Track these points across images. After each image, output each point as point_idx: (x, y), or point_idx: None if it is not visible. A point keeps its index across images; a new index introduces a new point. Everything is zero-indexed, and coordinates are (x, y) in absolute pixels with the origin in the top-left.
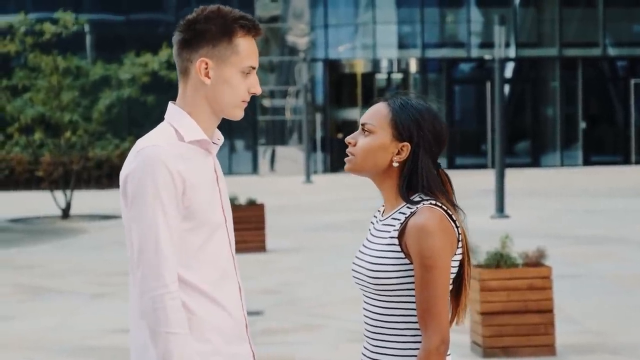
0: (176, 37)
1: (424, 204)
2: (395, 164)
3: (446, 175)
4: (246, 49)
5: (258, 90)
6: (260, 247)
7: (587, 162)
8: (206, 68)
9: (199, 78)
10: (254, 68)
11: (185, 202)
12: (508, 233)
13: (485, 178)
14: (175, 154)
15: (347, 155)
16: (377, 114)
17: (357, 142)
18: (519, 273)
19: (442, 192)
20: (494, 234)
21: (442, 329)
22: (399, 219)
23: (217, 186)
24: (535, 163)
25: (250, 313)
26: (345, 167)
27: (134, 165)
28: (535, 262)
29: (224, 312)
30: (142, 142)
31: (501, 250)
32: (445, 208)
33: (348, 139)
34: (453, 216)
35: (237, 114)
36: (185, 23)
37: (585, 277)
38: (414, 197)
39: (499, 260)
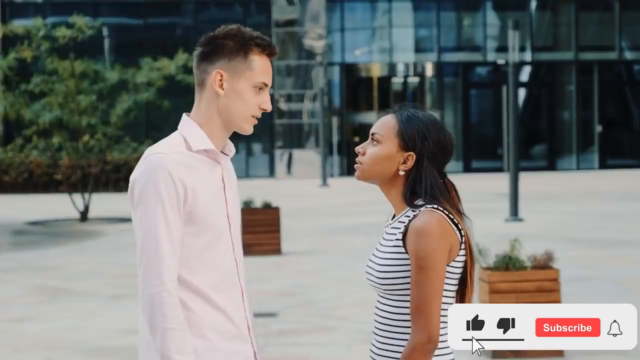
0: (196, 51)
1: (425, 207)
2: (401, 173)
3: (452, 183)
4: (260, 65)
5: (269, 107)
6: (276, 249)
7: (603, 165)
8: (220, 79)
9: (213, 89)
10: (266, 85)
11: (186, 207)
12: (519, 236)
13: (502, 182)
14: (179, 162)
15: (357, 163)
16: (385, 125)
17: (366, 152)
18: (528, 276)
19: (446, 198)
20: (506, 237)
21: (430, 327)
22: (403, 222)
23: (224, 195)
24: (551, 167)
25: (265, 314)
26: (355, 174)
27: (140, 170)
28: (544, 264)
29: (222, 315)
30: (150, 150)
31: (510, 253)
32: (447, 212)
33: (357, 149)
34: (455, 220)
35: (247, 128)
36: (206, 38)
37: (596, 280)
38: (417, 201)
39: (508, 263)
